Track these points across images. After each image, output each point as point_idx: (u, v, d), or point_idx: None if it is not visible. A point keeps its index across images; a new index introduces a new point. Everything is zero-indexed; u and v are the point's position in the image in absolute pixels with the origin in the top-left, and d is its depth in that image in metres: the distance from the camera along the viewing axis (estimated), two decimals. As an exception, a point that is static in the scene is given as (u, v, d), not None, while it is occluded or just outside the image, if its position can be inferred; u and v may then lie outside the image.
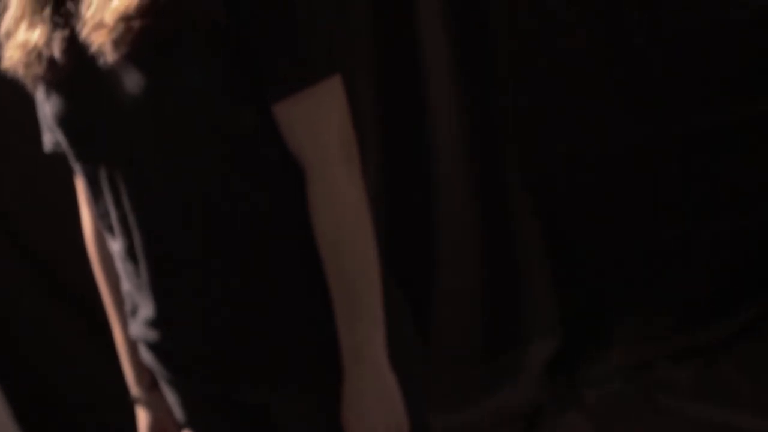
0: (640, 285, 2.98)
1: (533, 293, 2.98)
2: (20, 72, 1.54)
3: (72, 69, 1.50)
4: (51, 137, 1.64)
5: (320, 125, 1.48)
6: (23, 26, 1.52)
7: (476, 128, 2.86)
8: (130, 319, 1.63)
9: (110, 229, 1.57)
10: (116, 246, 1.57)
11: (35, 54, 1.51)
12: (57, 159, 1.65)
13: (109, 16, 1.42)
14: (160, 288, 1.53)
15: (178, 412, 1.68)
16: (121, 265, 1.58)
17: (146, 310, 1.57)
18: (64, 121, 1.53)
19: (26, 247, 2.60)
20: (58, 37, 1.49)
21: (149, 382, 1.74)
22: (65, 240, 2.21)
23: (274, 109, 1.48)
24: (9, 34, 1.55)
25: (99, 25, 1.43)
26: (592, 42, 2.82)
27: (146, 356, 1.65)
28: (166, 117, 1.46)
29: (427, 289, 2.89)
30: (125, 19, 1.41)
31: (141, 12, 1.41)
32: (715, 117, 2.89)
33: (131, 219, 1.52)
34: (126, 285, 1.60)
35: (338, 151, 1.49)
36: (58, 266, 2.60)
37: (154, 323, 1.56)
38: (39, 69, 1.51)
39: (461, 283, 2.95)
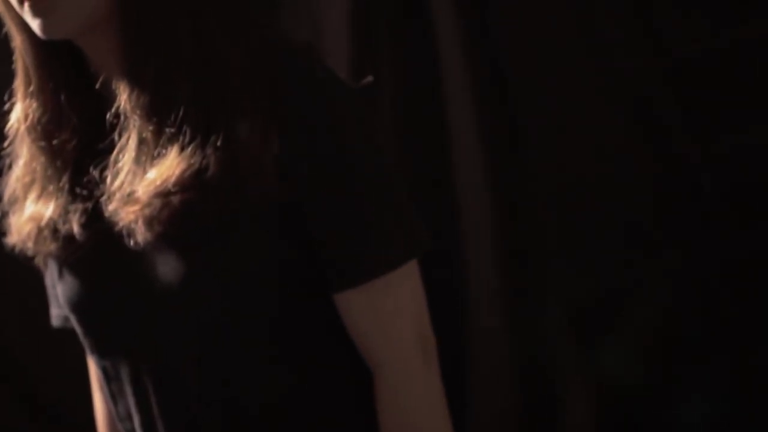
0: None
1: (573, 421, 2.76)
2: (29, 247, 1.29)
3: (92, 247, 1.24)
4: (61, 312, 1.39)
5: (392, 318, 1.23)
6: (33, 194, 1.27)
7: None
8: None
9: None
10: None
11: (49, 229, 1.25)
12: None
13: (143, 190, 1.16)
14: None
15: None
16: (147, 478, 1.32)
17: None
18: (80, 308, 1.27)
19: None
20: (78, 209, 1.23)
21: None
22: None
23: (335, 297, 1.23)
24: (15, 201, 1.30)
25: (129, 200, 1.17)
26: (638, 158, 2.61)
27: None
28: (207, 308, 1.21)
29: (460, 413, 2.66)
30: (162, 194, 1.16)
31: (182, 187, 1.15)
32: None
33: (161, 427, 1.26)
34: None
35: (413, 348, 1.24)
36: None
37: None
38: (52, 246, 1.26)
39: (496, 407, 2.74)
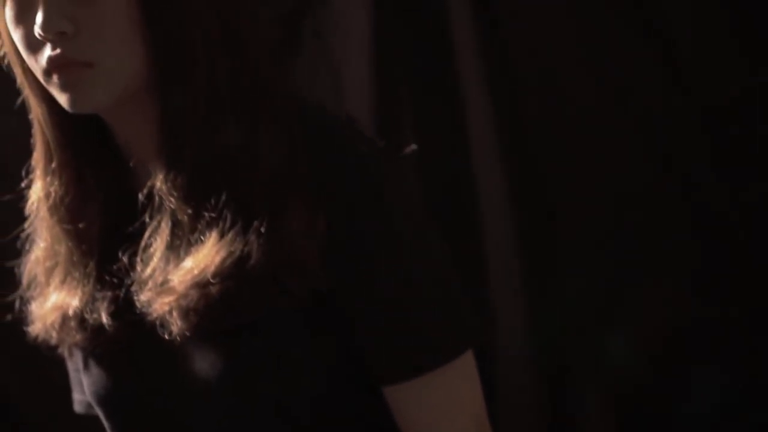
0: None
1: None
2: (53, 337, 1.19)
3: (122, 339, 1.14)
4: (84, 399, 1.29)
5: (447, 411, 1.14)
6: (56, 280, 1.17)
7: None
8: None
9: None
10: None
11: (76, 319, 1.15)
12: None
13: (179, 280, 1.07)
14: None
15: None
16: None
17: None
18: (108, 402, 1.18)
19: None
20: (107, 297, 1.14)
21: None
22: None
23: (385, 390, 1.14)
24: (36, 287, 1.20)
25: (164, 290, 1.08)
26: (664, 208, 2.54)
27: None
28: (246, 405, 1.11)
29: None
30: (200, 285, 1.06)
31: (221, 278, 1.06)
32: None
33: None
34: None
35: None
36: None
37: None
38: (78, 337, 1.16)
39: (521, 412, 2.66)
